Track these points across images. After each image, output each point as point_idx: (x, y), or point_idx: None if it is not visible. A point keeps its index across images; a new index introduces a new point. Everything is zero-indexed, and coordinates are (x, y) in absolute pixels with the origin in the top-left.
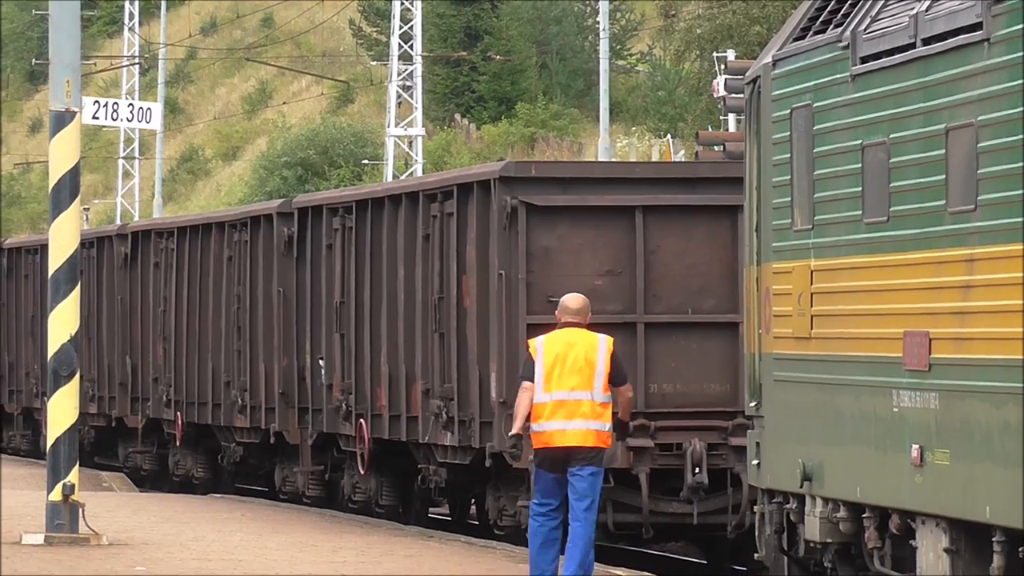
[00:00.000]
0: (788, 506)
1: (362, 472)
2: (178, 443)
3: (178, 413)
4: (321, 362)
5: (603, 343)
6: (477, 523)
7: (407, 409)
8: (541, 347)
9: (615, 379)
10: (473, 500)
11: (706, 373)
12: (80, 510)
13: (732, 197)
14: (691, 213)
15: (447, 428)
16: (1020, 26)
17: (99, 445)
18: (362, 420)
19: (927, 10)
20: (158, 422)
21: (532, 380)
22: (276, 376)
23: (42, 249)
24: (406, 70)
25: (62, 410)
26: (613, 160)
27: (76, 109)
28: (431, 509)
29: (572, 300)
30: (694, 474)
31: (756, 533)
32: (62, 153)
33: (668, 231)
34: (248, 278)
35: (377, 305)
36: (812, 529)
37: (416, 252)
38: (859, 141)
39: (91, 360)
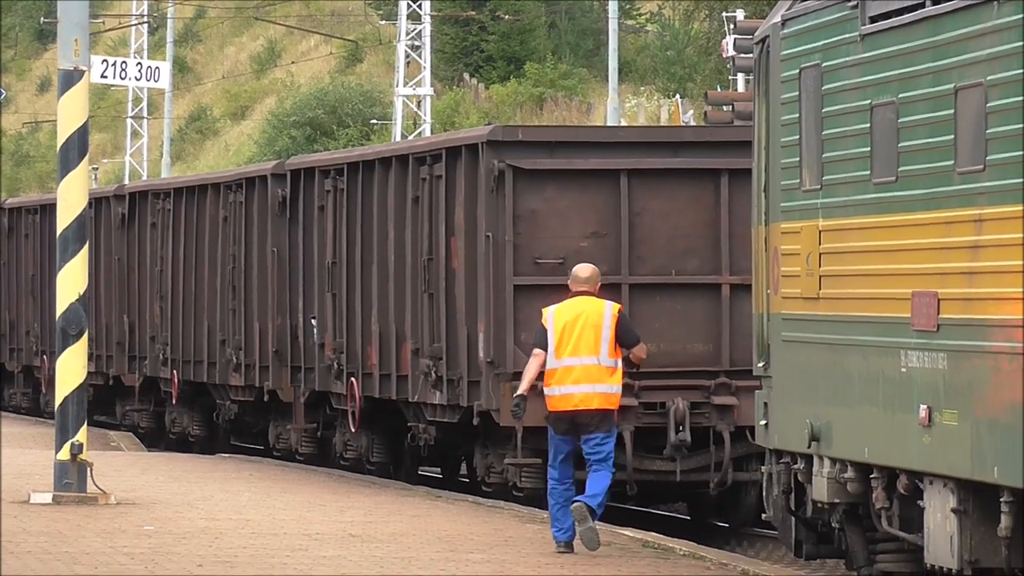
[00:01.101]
0: (796, 466)
1: (353, 430)
2: (174, 401)
3: (174, 371)
4: (313, 321)
5: (609, 309)
6: (468, 481)
7: (397, 368)
8: (552, 316)
9: (623, 341)
10: (462, 458)
11: (689, 333)
12: (88, 469)
13: (715, 161)
14: (675, 176)
15: (436, 387)
16: None
17: (97, 403)
18: (353, 379)
19: None
20: (155, 380)
21: (543, 347)
22: (270, 335)
23: (42, 209)
24: (415, 29)
25: (70, 369)
26: (622, 120)
27: (84, 68)
28: (422, 467)
29: (581, 270)
30: (677, 432)
31: (763, 493)
32: (70, 112)
33: (652, 194)
34: (243, 238)
35: (368, 266)
36: (820, 489)
37: (406, 214)
38: (868, 101)
39: (89, 319)
